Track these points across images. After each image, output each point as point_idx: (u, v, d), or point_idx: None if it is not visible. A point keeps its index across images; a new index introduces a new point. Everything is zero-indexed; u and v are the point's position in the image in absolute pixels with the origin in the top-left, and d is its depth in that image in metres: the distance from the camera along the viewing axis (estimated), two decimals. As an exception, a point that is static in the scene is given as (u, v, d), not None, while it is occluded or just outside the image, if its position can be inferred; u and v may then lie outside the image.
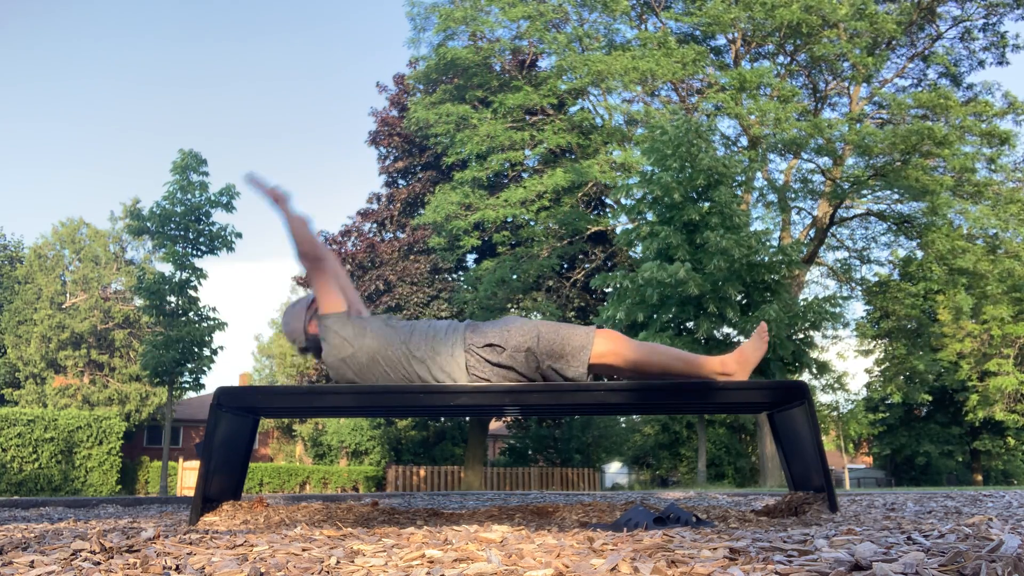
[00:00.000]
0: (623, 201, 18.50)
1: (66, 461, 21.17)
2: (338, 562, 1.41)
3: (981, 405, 23.77)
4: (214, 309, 15.96)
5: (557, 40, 20.89)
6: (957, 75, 22.66)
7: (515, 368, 2.65)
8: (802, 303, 16.55)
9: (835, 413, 27.20)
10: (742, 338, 15.79)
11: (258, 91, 68.82)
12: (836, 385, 24.30)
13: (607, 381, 2.79)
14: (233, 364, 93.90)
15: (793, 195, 21.84)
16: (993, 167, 21.06)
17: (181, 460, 24.09)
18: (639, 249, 15.96)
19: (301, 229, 2.81)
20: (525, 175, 22.07)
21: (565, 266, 22.57)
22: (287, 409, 3.27)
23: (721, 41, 22.56)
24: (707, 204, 15.25)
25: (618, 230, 19.81)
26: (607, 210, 22.46)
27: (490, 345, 2.65)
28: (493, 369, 2.66)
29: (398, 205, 23.75)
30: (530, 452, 28.85)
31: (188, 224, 15.67)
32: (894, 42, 21.77)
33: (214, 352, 15.78)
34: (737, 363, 2.75)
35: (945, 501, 3.99)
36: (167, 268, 15.89)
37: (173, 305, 15.73)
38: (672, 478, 30.76)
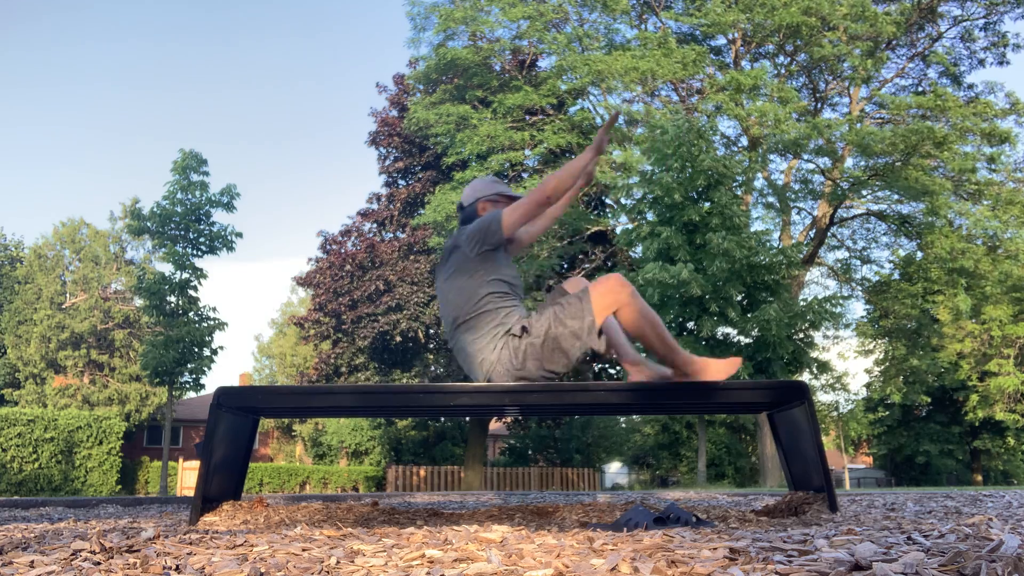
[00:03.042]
0: (623, 201, 18.50)
1: (66, 461, 21.17)
2: (338, 562, 1.41)
3: (981, 405, 23.77)
4: (214, 309, 15.95)
5: (557, 40, 20.90)
6: (958, 75, 22.66)
7: (535, 355, 2.72)
8: (802, 303, 16.55)
9: (835, 413, 27.21)
10: (742, 338, 15.80)
11: (258, 91, 68.86)
12: (836, 385, 24.31)
13: (607, 381, 2.79)
14: (233, 364, 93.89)
15: (793, 195, 21.83)
16: (993, 167, 21.06)
17: (181, 460, 24.08)
18: (639, 249, 15.97)
19: (574, 180, 2.85)
20: (525, 175, 22.07)
21: (565, 266, 22.57)
22: (287, 409, 3.27)
23: (721, 41, 22.56)
24: (707, 204, 15.25)
25: (618, 230, 19.81)
26: (607, 210, 22.46)
27: (523, 328, 2.75)
28: (514, 358, 2.73)
29: (398, 205, 23.76)
30: (530, 452, 28.85)
31: (188, 224, 15.67)
32: (894, 42, 21.77)
33: (214, 352, 15.77)
34: (698, 375, 2.80)
35: (945, 501, 3.99)
36: (167, 268, 15.90)
37: (173, 305, 15.73)
38: (672, 478, 30.76)
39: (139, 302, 21.61)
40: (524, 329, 2.75)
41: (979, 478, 30.54)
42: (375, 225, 24.57)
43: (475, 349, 2.80)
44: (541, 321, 2.75)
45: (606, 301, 2.71)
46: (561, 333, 2.70)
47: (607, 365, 22.94)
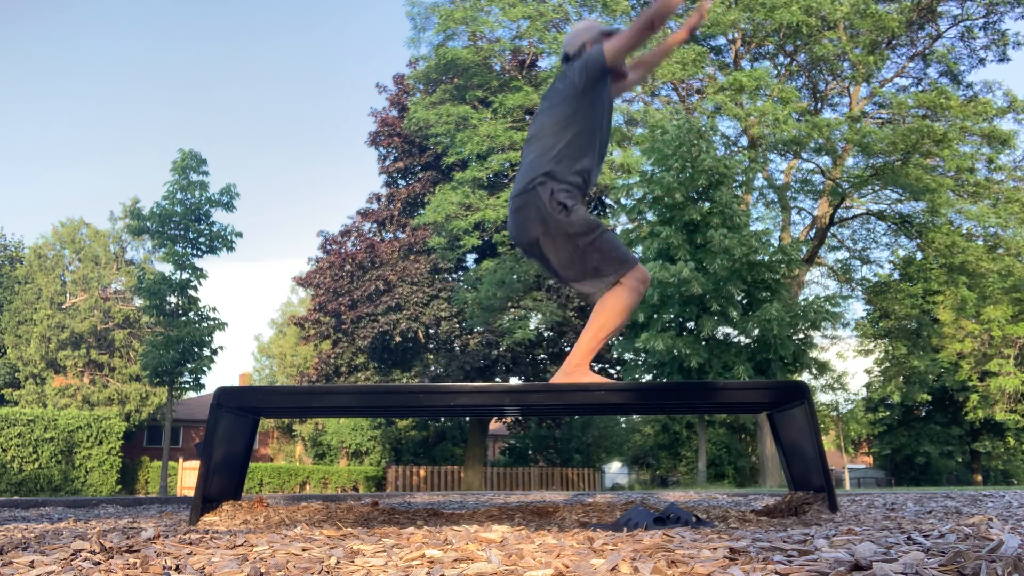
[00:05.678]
0: (623, 201, 18.49)
1: (66, 461, 21.17)
2: (338, 562, 1.41)
3: (981, 405, 23.77)
4: (214, 309, 15.94)
5: (557, 40, 20.89)
6: (957, 74, 22.67)
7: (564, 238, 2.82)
8: (802, 303, 16.55)
9: (835, 413, 27.20)
10: (743, 338, 15.80)
11: (258, 91, 68.85)
12: (836, 385, 24.30)
13: (608, 380, 2.79)
14: (233, 364, 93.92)
15: (793, 195, 21.84)
16: (993, 167, 21.08)
17: (181, 460, 24.08)
18: (639, 249, 15.99)
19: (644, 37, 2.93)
20: (525, 175, 22.05)
21: (565, 266, 22.55)
22: (287, 409, 3.27)
23: (721, 41, 22.56)
24: (708, 204, 15.26)
25: (618, 230, 19.80)
26: (607, 210, 22.47)
27: (563, 206, 2.84)
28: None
29: (398, 205, 23.76)
30: (530, 452, 28.84)
31: (188, 224, 15.67)
32: (894, 41, 21.78)
33: (214, 352, 15.77)
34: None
35: (945, 501, 3.99)
36: (167, 268, 15.89)
37: (173, 305, 15.72)
38: (672, 478, 30.75)
39: (139, 302, 21.61)
40: (564, 207, 2.79)
41: (979, 478, 30.54)
42: (375, 225, 24.58)
43: (529, 178, 2.89)
44: (580, 218, 2.81)
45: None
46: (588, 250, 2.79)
47: (606, 366, 22.95)
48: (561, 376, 2.78)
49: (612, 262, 2.76)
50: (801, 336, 16.00)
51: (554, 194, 2.80)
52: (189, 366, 15.48)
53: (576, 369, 2.77)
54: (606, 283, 2.75)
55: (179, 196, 15.70)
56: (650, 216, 16.20)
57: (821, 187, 21.64)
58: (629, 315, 2.82)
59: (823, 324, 16.15)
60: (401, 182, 24.96)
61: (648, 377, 16.32)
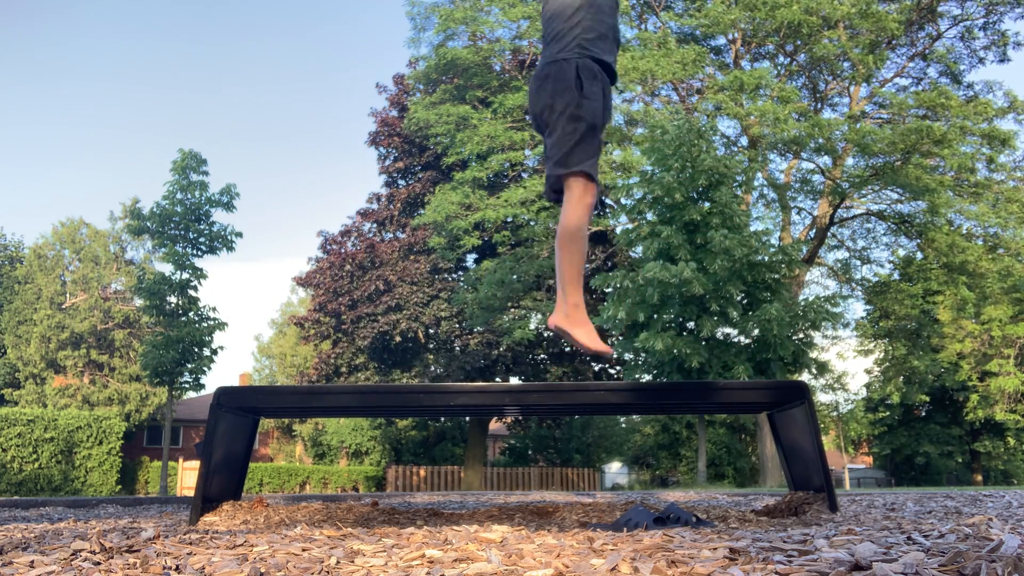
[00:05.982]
0: (623, 201, 18.50)
1: (66, 461, 21.17)
2: (338, 562, 1.41)
3: (981, 405, 23.78)
4: (214, 309, 15.96)
5: (557, 40, 20.88)
6: (957, 74, 22.67)
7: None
8: (802, 303, 16.56)
9: (835, 413, 27.22)
10: (743, 338, 15.79)
11: (259, 91, 68.84)
12: (836, 385, 24.31)
13: (607, 381, 2.79)
14: (233, 364, 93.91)
15: (793, 195, 21.84)
16: (993, 167, 21.08)
17: (181, 460, 24.09)
18: (639, 249, 15.99)
19: None
20: (525, 175, 22.06)
21: (565, 266, 22.57)
22: (287, 409, 3.27)
23: (721, 41, 22.56)
24: (708, 204, 15.26)
25: (618, 230, 19.81)
26: (607, 210, 22.48)
27: (580, 95, 2.72)
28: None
29: (398, 205, 23.77)
30: (530, 452, 28.85)
31: (188, 224, 15.67)
32: (894, 41, 21.78)
33: (214, 352, 15.77)
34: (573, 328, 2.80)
35: (945, 501, 3.99)
36: (167, 268, 15.90)
37: (173, 305, 15.73)
38: (672, 478, 30.74)
39: (139, 302, 21.62)
40: (581, 86, 2.69)
41: (979, 478, 30.54)
42: (375, 225, 24.58)
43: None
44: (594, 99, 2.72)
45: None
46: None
47: (607, 365, 22.94)
48: (563, 320, 2.73)
49: (572, 162, 2.67)
50: (801, 336, 16.00)
51: (579, 70, 2.77)
52: (189, 366, 15.49)
53: (575, 310, 2.74)
54: (565, 171, 2.70)
55: (179, 196, 15.71)
56: (650, 216, 16.20)
57: (821, 187, 21.63)
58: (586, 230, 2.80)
59: (823, 324, 16.15)
60: (401, 182, 24.97)
61: (648, 377, 16.32)
